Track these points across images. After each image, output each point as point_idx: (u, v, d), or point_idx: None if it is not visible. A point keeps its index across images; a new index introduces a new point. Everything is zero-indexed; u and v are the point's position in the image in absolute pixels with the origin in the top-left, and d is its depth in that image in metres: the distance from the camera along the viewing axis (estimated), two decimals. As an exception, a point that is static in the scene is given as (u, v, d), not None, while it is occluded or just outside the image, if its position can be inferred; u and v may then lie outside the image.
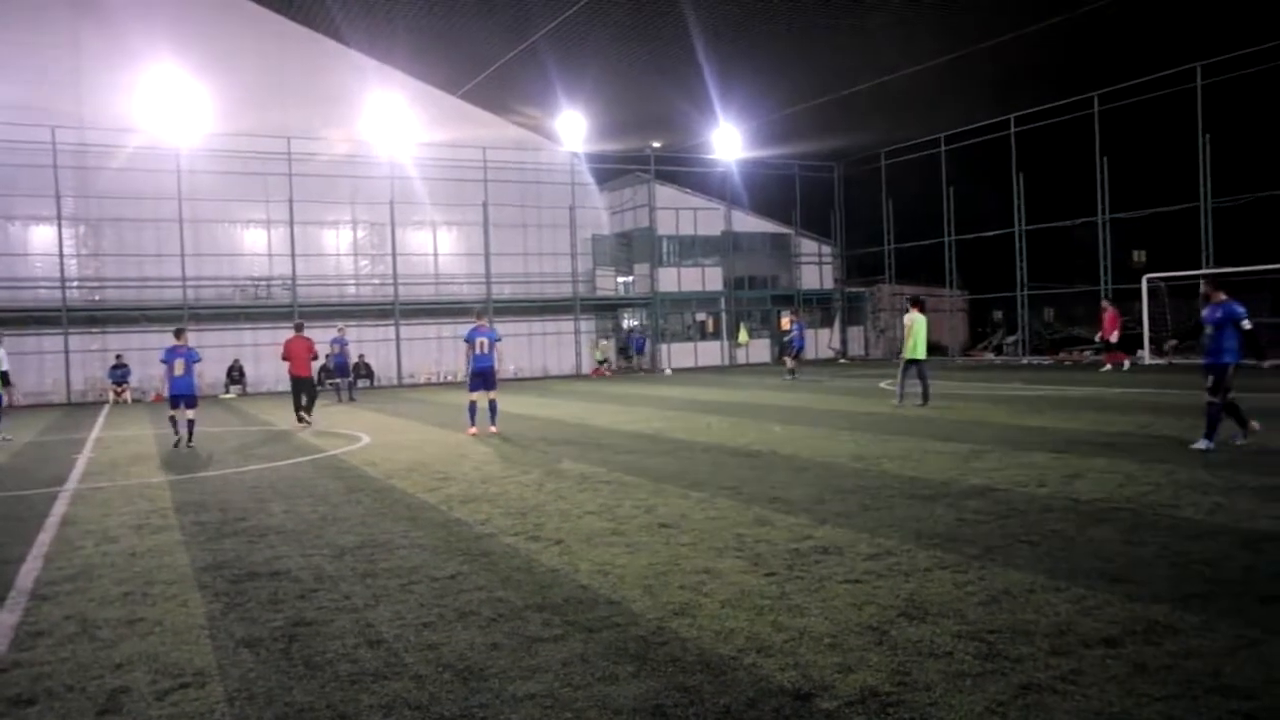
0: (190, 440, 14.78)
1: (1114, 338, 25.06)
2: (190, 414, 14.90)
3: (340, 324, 26.87)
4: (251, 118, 29.63)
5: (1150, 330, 26.56)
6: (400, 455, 12.82)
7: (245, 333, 30.80)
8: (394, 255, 32.51)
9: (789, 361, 27.27)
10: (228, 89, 29.53)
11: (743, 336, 24.02)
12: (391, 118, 31.84)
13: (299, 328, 18.55)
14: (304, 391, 17.85)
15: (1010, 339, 34.68)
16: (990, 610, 5.06)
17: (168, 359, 15.02)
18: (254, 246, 31.30)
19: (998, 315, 38.43)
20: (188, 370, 14.97)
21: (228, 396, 28.59)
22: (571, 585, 5.93)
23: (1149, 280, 26.69)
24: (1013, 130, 32.28)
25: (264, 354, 30.65)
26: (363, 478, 11.01)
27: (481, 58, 29.17)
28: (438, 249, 34.13)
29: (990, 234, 33.64)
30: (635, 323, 39.11)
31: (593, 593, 5.74)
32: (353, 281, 32.52)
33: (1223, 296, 10.33)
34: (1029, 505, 7.82)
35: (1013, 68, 27.20)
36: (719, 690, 4.10)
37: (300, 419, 17.60)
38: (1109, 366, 25.17)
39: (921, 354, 17.15)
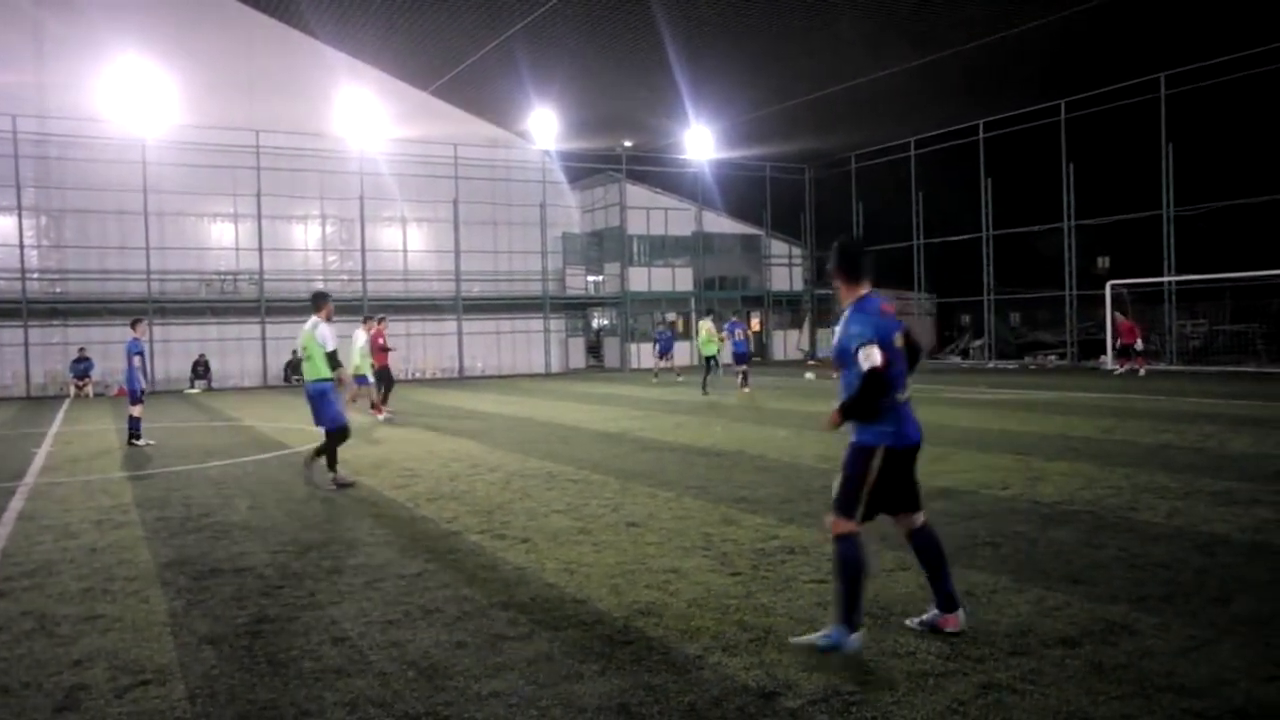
0: (132, 438, 13.91)
1: (1138, 345, 24.94)
2: (134, 410, 13.96)
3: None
4: (219, 109, 29.31)
5: (1113, 336, 26.92)
6: (367, 452, 12.74)
7: (211, 327, 30.46)
8: (363, 251, 32.29)
9: (663, 363, 28.30)
10: (194, 80, 29.18)
11: (704, 338, 23.86)
12: (362, 112, 31.60)
13: (381, 320, 18.39)
14: (383, 381, 17.80)
15: (976, 343, 35.03)
16: (952, 610, 5.11)
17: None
18: (220, 240, 30.95)
19: (965, 319, 38.81)
20: (127, 362, 14.00)
21: (192, 391, 28.27)
22: (538, 584, 5.93)
23: (1112, 286, 27.08)
24: (981, 136, 32.63)
25: (230, 349, 30.36)
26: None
27: (454, 54, 29.03)
28: (407, 245, 33.93)
29: (958, 238, 33.97)
30: (670, 316, 38.29)
31: (559, 591, 5.74)
32: (321, 277, 32.26)
33: None
34: (993, 507, 7.92)
35: (982, 73, 27.50)
36: (684, 689, 4.12)
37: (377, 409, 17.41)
38: (1121, 370, 25.19)
39: (710, 352, 22.90)
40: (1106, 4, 21.43)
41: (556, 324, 36.93)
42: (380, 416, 17.25)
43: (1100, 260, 34.77)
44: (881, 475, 4.55)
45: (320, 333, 9.66)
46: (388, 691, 4.16)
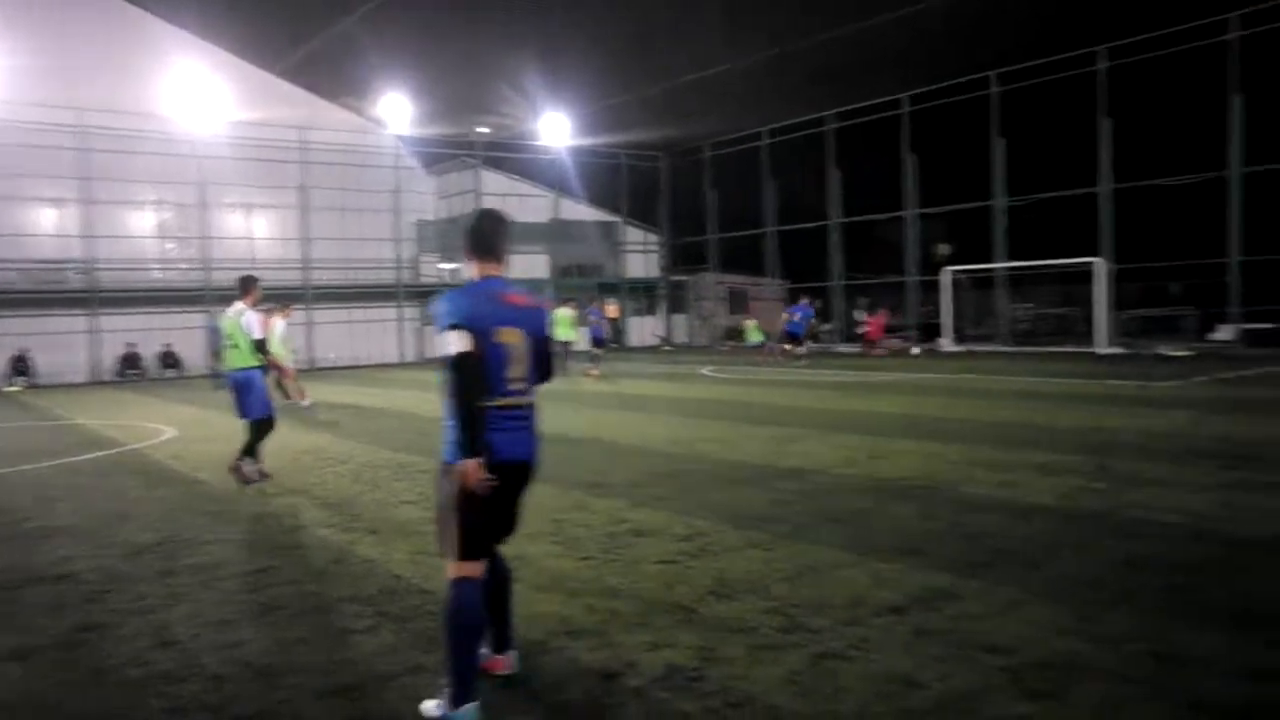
0: None
1: (881, 339, 27.30)
2: None
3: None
4: (41, 88, 27.31)
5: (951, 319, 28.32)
6: (210, 448, 12.19)
7: (33, 320, 28.43)
8: (205, 239, 30.77)
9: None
10: (13, 55, 27.10)
11: (563, 323, 23.85)
12: (202, 93, 30.03)
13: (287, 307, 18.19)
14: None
15: (826, 328, 36.19)
16: (794, 586, 5.31)
17: None
18: (42, 227, 28.91)
19: (816, 305, 39.96)
20: None
21: (12, 389, 26.36)
22: (385, 576, 5.82)
23: (949, 272, 28.46)
24: (829, 127, 33.66)
25: (58, 343, 28.43)
26: (166, 472, 10.43)
27: (301, 34, 27.90)
28: (253, 232, 32.53)
29: (808, 226, 34.99)
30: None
31: (406, 582, 5.66)
32: (158, 265, 30.59)
33: None
34: (836, 485, 8.23)
35: (833, 66, 28.28)
36: (529, 673, 4.13)
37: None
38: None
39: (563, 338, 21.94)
40: (945, 3, 22.41)
41: (411, 313, 36.17)
42: (305, 403, 17.30)
43: (940, 247, 36.41)
44: (472, 498, 3.68)
45: (247, 320, 9.24)
46: (220, 694, 4.01)
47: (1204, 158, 24.29)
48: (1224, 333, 24.50)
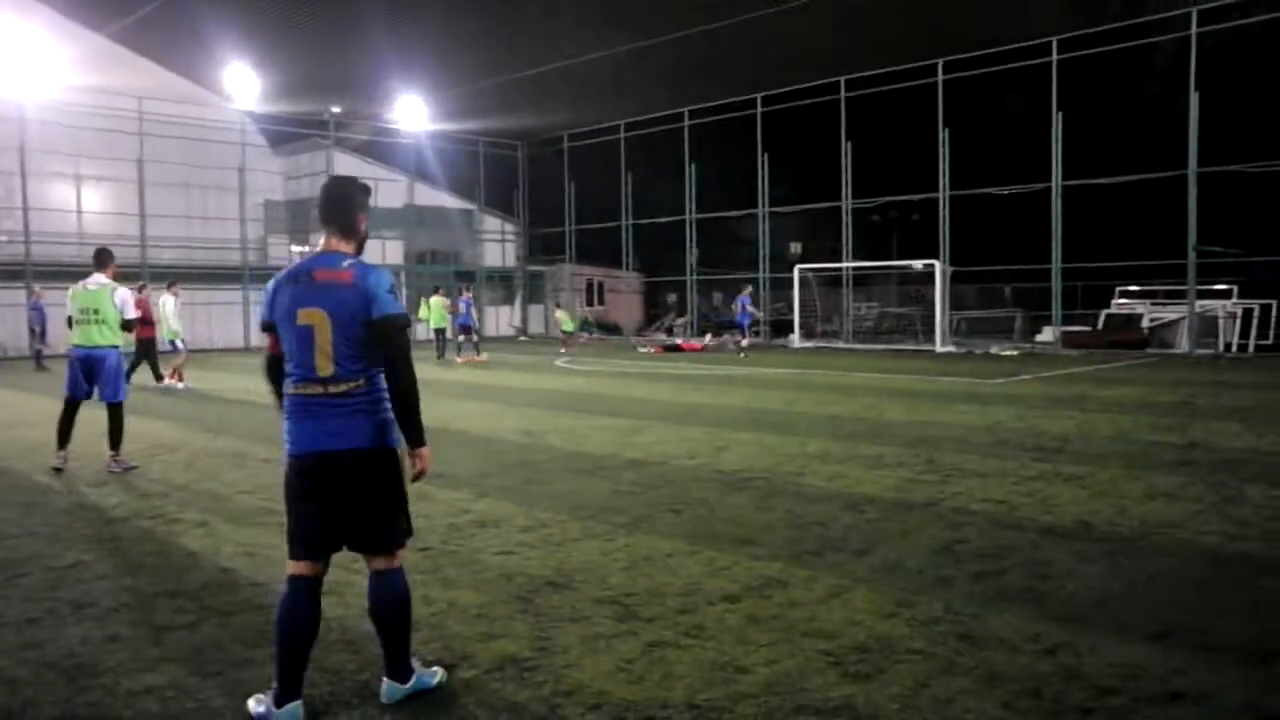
0: None
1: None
2: None
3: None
4: None
5: (800, 316, 29.21)
6: (21, 434, 11.40)
7: None
8: (25, 210, 28.67)
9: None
10: None
11: (424, 312, 23.78)
12: (21, 52, 27.91)
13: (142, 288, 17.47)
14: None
15: (680, 321, 36.78)
16: (631, 575, 5.39)
17: None
18: None
19: (671, 299, 40.59)
20: None
21: None
22: (212, 569, 5.60)
23: (799, 270, 29.36)
24: (686, 123, 34.14)
25: None
26: (-29, 461, 9.69)
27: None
28: (82, 206, 30.51)
29: (664, 220, 35.43)
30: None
31: (234, 575, 5.46)
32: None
33: None
34: (679, 476, 8.38)
35: (688, 62, 28.66)
36: (361, 667, 4.06)
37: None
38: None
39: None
40: (796, 9, 23.07)
41: (257, 296, 34.72)
42: (181, 385, 17.05)
43: (794, 246, 37.49)
44: (289, 493, 3.64)
45: (121, 295, 8.65)
46: (18, 699, 3.77)
47: (1034, 170, 25.86)
48: (1047, 334, 26.19)
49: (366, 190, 3.82)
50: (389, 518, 3.69)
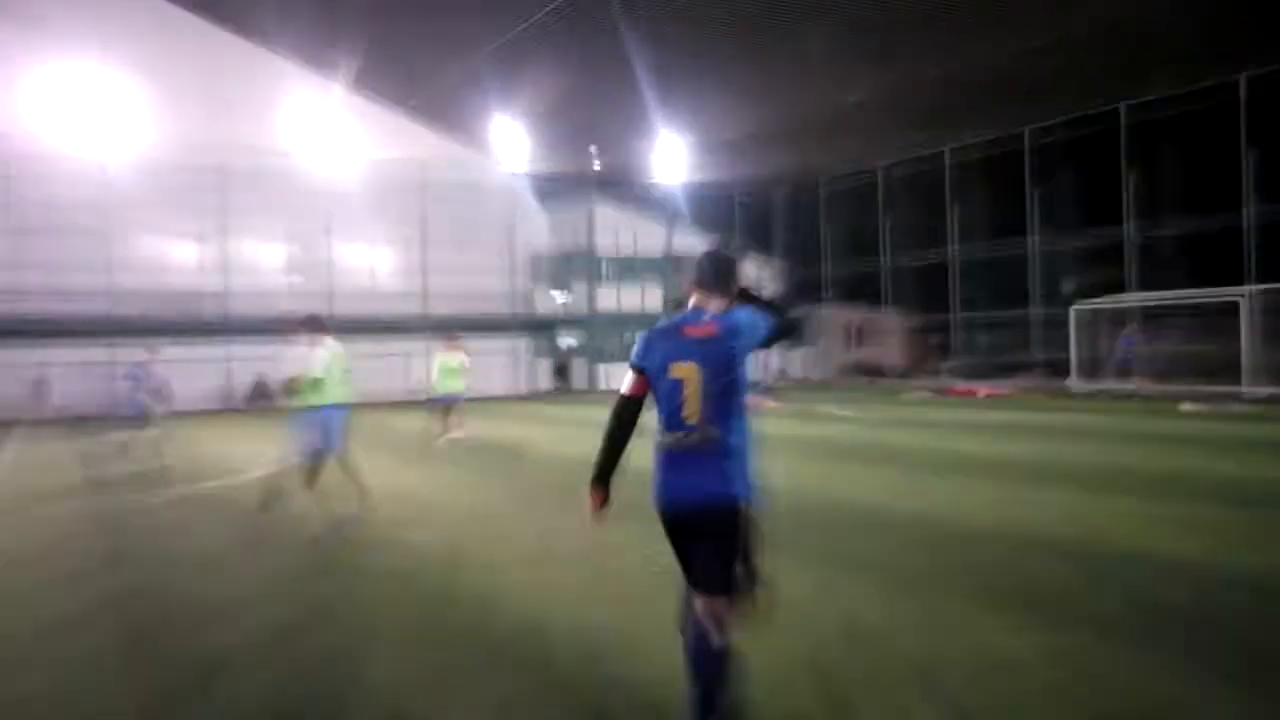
0: None
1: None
2: None
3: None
4: (180, 128, 28.81)
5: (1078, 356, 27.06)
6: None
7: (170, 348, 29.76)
8: (329, 271, 31.88)
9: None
10: (156, 94, 28.74)
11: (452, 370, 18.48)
12: (331, 131, 31.32)
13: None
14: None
15: (950, 364, 35.39)
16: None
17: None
18: (180, 260, 30.41)
19: (932, 340, 39.05)
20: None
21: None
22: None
23: (1076, 310, 27.28)
24: (947, 161, 32.93)
25: (192, 372, 29.71)
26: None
27: (422, 72, 28.83)
28: (374, 265, 33.55)
29: (925, 261, 34.22)
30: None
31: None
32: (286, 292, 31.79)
33: None
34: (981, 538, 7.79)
35: (952, 100, 27.69)
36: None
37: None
38: None
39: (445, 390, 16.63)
40: (1055, 42, 21.78)
41: (524, 344, 36.62)
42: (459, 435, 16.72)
43: (1065, 282, 35.09)
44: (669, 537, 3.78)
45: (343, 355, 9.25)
46: None
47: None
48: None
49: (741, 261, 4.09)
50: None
